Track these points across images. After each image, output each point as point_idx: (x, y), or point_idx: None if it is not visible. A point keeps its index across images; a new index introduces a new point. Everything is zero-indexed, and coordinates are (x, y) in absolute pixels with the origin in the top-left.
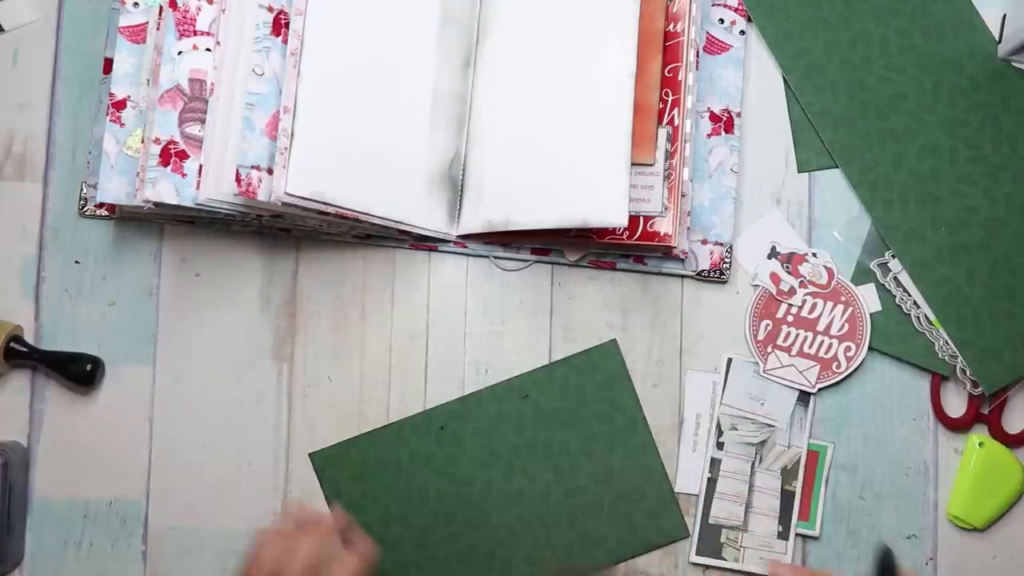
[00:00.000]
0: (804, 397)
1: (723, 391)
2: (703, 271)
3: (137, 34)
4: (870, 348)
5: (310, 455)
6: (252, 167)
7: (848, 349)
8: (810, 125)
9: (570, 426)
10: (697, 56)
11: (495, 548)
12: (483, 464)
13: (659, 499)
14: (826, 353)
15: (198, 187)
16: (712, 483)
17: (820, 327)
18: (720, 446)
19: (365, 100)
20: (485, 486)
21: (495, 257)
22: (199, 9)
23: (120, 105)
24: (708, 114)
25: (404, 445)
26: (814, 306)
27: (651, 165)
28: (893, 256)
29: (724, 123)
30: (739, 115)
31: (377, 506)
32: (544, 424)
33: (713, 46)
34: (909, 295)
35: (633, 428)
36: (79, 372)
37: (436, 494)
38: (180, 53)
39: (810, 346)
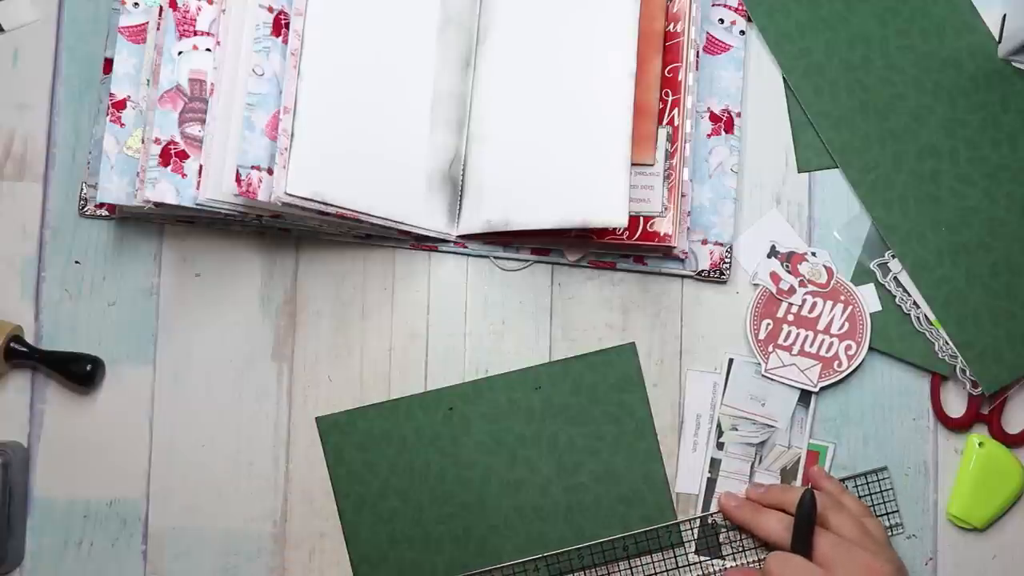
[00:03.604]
0: (804, 397)
1: (724, 391)
2: (703, 271)
3: (137, 34)
4: (870, 348)
5: (316, 419)
6: (252, 167)
7: (849, 348)
8: (810, 125)
9: (578, 423)
10: (697, 56)
11: (488, 534)
12: (487, 449)
13: (658, 507)
14: (827, 352)
15: (198, 187)
16: (712, 483)
17: (820, 326)
18: (720, 446)
19: (365, 100)
20: (486, 472)
21: (495, 257)
22: (199, 9)
23: (120, 105)
24: (708, 114)
25: (411, 420)
26: (814, 305)
27: (651, 165)
28: (893, 256)
29: (724, 123)
30: (739, 115)
31: (377, 478)
32: (553, 418)
33: (713, 46)
34: (909, 295)
35: (640, 433)
36: (79, 372)
37: (437, 473)
38: (180, 53)
39: (811, 345)
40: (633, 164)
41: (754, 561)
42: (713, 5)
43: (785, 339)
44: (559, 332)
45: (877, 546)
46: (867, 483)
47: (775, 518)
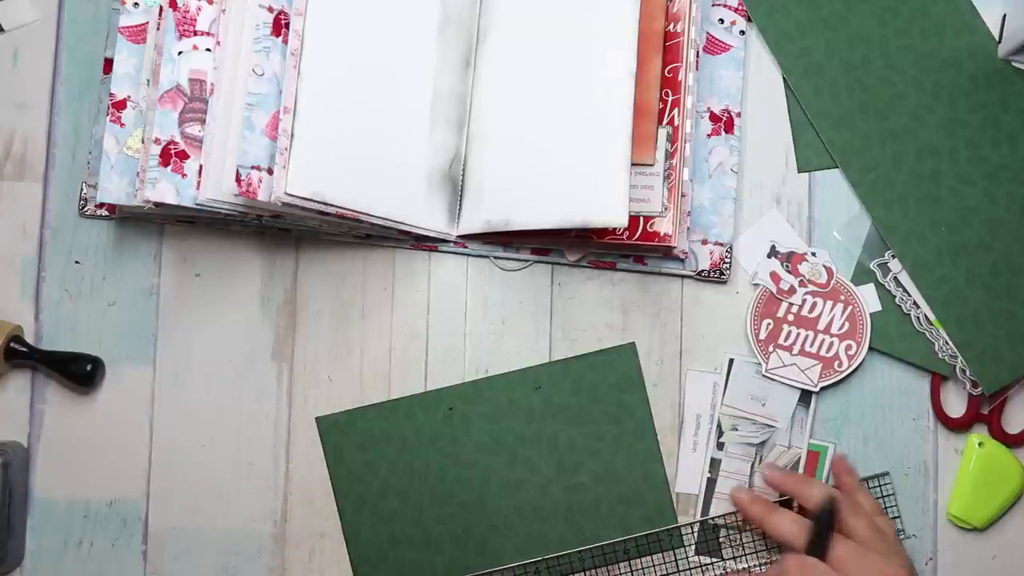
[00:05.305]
0: (804, 397)
1: (724, 391)
2: (703, 271)
3: (137, 34)
4: (870, 348)
5: (316, 419)
6: (252, 167)
7: (849, 347)
8: (810, 125)
9: (578, 423)
10: (697, 56)
11: (488, 534)
12: (487, 450)
13: (658, 507)
14: (827, 352)
15: (198, 187)
16: (712, 483)
17: (820, 326)
18: (720, 446)
19: (365, 100)
20: (486, 472)
21: (495, 257)
22: (199, 9)
23: (120, 105)
24: (708, 114)
25: (411, 420)
26: (814, 305)
27: (651, 165)
28: (893, 256)
29: (724, 123)
30: (739, 115)
31: (377, 478)
32: (553, 418)
33: (713, 46)
34: (909, 295)
35: (640, 433)
36: (79, 372)
37: (437, 473)
38: (180, 53)
39: (811, 345)
40: (633, 164)
41: (756, 565)
42: (713, 5)
43: (785, 339)
44: (559, 332)
45: (888, 547)
46: (868, 488)
47: (789, 519)
